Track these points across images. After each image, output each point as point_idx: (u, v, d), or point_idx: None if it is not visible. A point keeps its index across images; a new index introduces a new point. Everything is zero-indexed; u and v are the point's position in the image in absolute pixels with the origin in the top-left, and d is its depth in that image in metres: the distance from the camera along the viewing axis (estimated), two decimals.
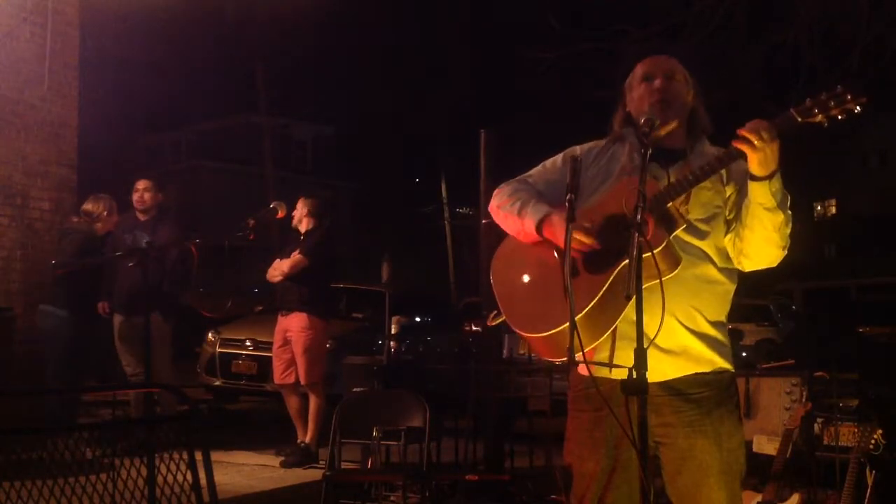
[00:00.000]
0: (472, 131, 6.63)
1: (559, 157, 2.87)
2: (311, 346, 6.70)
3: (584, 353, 2.41)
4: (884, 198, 30.68)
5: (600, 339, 2.52)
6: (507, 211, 2.76)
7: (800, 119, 2.42)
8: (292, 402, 6.85)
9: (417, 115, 27.44)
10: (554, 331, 2.49)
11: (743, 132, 2.43)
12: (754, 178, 2.49)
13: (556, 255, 2.62)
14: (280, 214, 6.71)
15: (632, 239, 2.29)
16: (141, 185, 7.02)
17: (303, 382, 6.71)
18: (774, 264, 2.65)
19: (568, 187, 2.46)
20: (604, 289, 2.47)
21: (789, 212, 2.57)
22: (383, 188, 31.51)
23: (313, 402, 6.74)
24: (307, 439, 6.69)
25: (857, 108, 2.40)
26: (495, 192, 2.87)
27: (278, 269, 6.78)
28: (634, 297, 2.28)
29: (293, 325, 6.71)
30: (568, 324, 2.32)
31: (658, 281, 2.38)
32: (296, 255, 6.74)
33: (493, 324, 2.82)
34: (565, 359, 2.37)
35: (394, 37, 27.59)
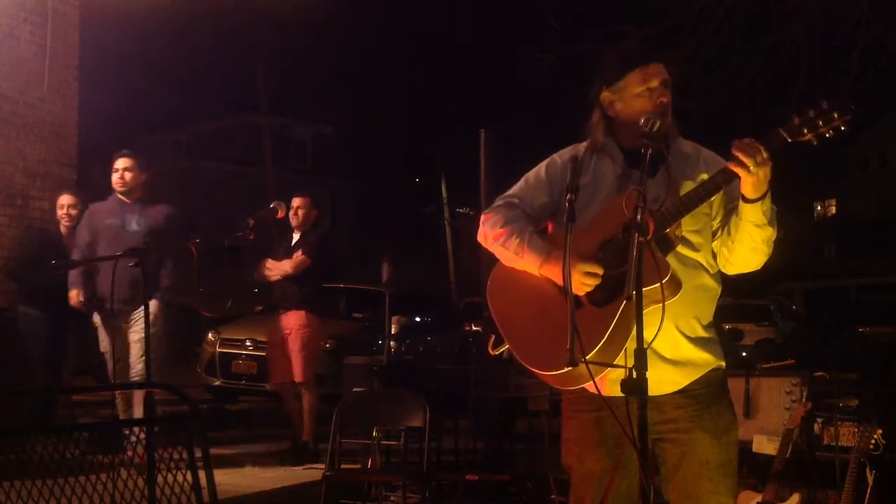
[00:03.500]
0: (472, 131, 6.64)
1: (542, 170, 2.83)
2: (309, 343, 6.69)
3: (584, 357, 2.39)
4: (884, 198, 30.68)
5: (615, 359, 2.49)
6: (501, 245, 2.71)
7: (790, 139, 2.42)
8: (292, 401, 6.84)
9: (417, 115, 27.45)
10: (561, 371, 2.47)
11: (739, 154, 2.42)
12: (747, 201, 2.51)
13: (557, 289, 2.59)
14: (280, 214, 6.68)
15: (631, 239, 2.29)
16: (120, 163, 6.30)
17: (298, 380, 6.68)
18: (757, 268, 2.69)
19: (568, 187, 2.45)
20: (615, 319, 2.45)
21: (775, 221, 2.60)
22: (383, 188, 31.51)
23: (307, 399, 6.72)
24: (304, 437, 6.69)
25: (843, 126, 2.39)
26: (483, 218, 2.81)
27: (278, 268, 6.75)
28: (635, 299, 2.29)
29: (291, 323, 6.70)
30: (575, 366, 2.32)
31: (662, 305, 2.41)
32: (298, 256, 6.72)
33: (495, 353, 2.79)
34: (573, 388, 2.43)
35: (394, 37, 27.60)
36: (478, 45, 24.43)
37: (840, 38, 8.50)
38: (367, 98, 28.46)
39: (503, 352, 2.79)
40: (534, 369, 2.63)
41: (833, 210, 35.90)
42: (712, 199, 2.61)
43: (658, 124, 2.47)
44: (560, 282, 2.56)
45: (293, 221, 6.85)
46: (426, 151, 28.74)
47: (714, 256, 2.69)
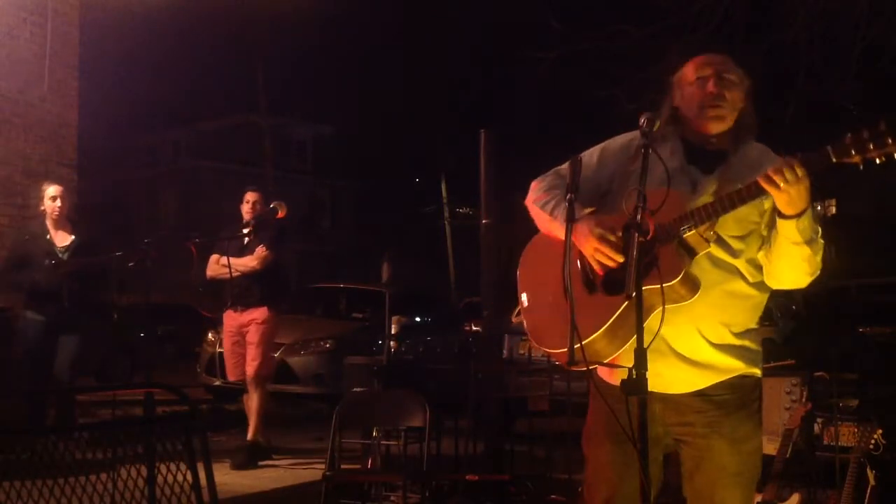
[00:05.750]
0: (472, 131, 6.63)
1: (595, 152, 2.78)
2: (268, 339, 6.61)
3: (584, 355, 2.40)
4: (884, 198, 30.67)
5: (621, 350, 2.50)
6: (540, 207, 2.73)
7: (834, 159, 2.29)
8: (256, 398, 6.65)
9: (417, 115, 27.46)
10: (563, 350, 2.49)
11: (769, 172, 2.34)
12: (781, 216, 2.43)
13: (579, 263, 2.60)
14: (280, 214, 6.66)
15: (631, 239, 2.30)
16: None
17: (253, 375, 6.54)
18: (802, 286, 2.60)
19: (568, 187, 2.47)
20: (620, 309, 2.45)
21: (821, 241, 2.52)
22: (383, 188, 31.53)
23: (258, 397, 6.58)
24: (250, 436, 6.55)
25: None
26: (532, 184, 2.82)
27: (242, 264, 6.49)
28: (650, 301, 2.33)
29: (250, 319, 6.54)
30: (580, 344, 2.33)
31: (681, 304, 2.43)
32: (262, 251, 6.55)
33: (518, 321, 2.83)
34: (577, 369, 2.43)
35: (394, 37, 27.61)
36: (478, 46, 24.47)
37: (840, 38, 8.50)
38: (368, 98, 28.50)
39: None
40: (540, 346, 2.66)
41: (833, 210, 35.90)
42: (766, 206, 2.52)
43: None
44: (581, 248, 2.56)
45: (247, 216, 6.70)
46: (426, 151, 28.76)
47: (759, 267, 2.60)
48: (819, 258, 2.53)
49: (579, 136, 2.90)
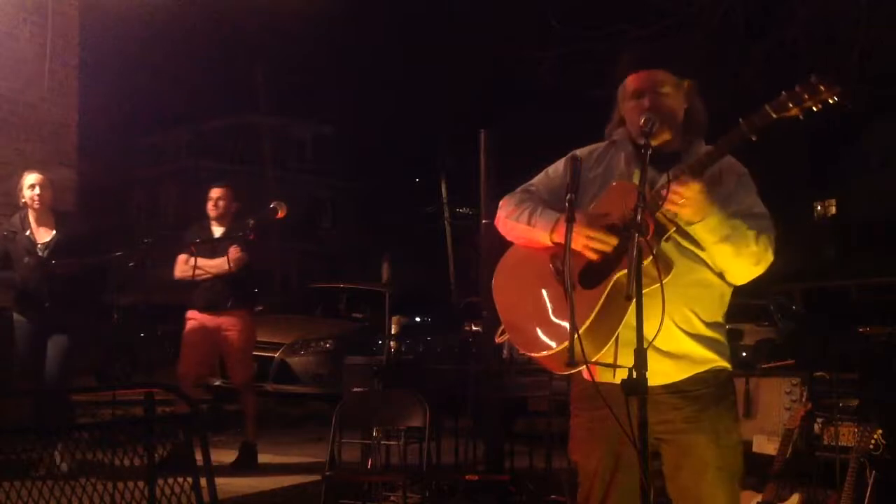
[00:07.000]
0: (472, 131, 6.63)
1: (560, 163, 2.85)
2: (250, 345, 6.61)
3: (584, 356, 2.41)
4: (884, 198, 30.69)
5: (605, 348, 2.52)
6: (515, 220, 2.77)
7: (774, 115, 2.37)
8: (250, 401, 6.63)
9: (417, 115, 27.46)
10: (554, 351, 2.50)
11: (669, 197, 2.42)
12: (688, 224, 2.51)
13: (554, 270, 2.62)
14: (280, 214, 6.61)
15: (632, 240, 2.30)
16: None
17: (242, 381, 6.56)
18: (752, 278, 2.64)
19: (568, 187, 2.49)
20: (601, 300, 2.48)
21: (750, 232, 2.54)
22: (383, 188, 31.54)
23: (251, 400, 6.59)
24: (251, 437, 6.54)
25: (832, 98, 2.34)
26: (501, 203, 2.86)
27: (213, 266, 6.33)
28: (634, 300, 2.30)
29: (229, 324, 6.42)
30: (567, 342, 2.32)
31: (655, 286, 2.40)
32: (236, 252, 6.36)
33: (501, 340, 2.83)
34: (571, 370, 2.42)
35: (394, 36, 27.62)
36: (478, 45, 24.44)
37: (840, 38, 8.51)
38: (368, 98, 28.50)
39: (505, 345, 2.84)
40: (529, 353, 2.66)
41: (833, 210, 35.89)
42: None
43: (657, 125, 2.47)
44: (573, 243, 2.55)
45: (212, 213, 6.57)
46: (426, 151, 28.76)
47: None
48: (754, 248, 2.55)
49: (579, 136, 2.90)
